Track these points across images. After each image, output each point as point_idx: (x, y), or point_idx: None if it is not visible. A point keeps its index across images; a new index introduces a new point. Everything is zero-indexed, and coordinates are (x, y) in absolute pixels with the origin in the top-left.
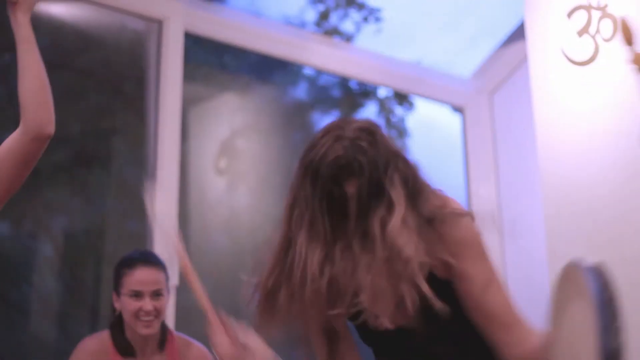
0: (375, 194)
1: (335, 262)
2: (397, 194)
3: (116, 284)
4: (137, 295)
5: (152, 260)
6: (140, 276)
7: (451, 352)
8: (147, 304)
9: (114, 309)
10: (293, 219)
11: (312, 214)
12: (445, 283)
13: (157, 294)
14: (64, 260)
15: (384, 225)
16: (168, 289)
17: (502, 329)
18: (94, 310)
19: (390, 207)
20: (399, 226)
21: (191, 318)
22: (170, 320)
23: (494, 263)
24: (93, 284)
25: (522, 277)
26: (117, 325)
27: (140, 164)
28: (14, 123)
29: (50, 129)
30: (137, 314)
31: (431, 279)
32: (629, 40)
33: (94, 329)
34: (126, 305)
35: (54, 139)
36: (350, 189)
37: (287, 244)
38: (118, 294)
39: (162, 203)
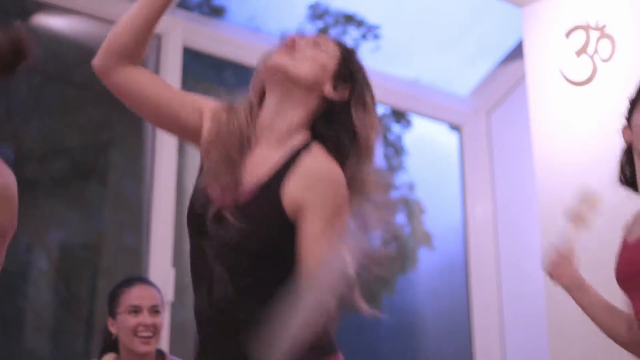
0: None
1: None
2: None
3: (112, 306)
4: (136, 310)
5: (148, 280)
6: (138, 292)
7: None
8: (146, 318)
9: (109, 334)
10: None
11: None
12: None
13: (155, 310)
14: (60, 273)
15: None
16: (164, 308)
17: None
18: (89, 324)
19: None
20: None
21: (186, 336)
22: (165, 337)
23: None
24: (89, 297)
25: (518, 295)
26: (112, 350)
27: (138, 177)
28: (13, 138)
29: None
30: (135, 330)
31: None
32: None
33: (88, 342)
34: (124, 322)
35: (51, 151)
36: None
37: None
38: (114, 315)
39: (159, 215)
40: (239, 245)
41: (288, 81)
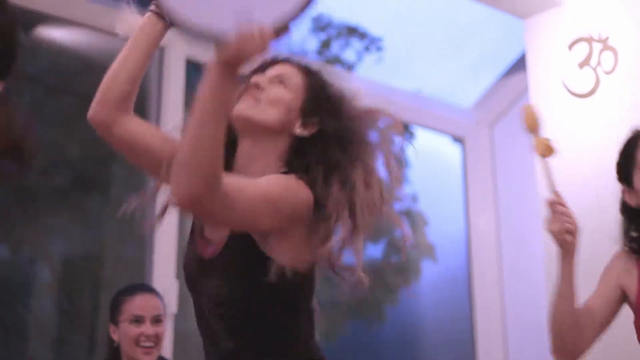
0: None
1: None
2: None
3: (114, 313)
4: (138, 320)
5: (151, 288)
6: (140, 301)
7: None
8: (149, 328)
9: (111, 342)
10: None
11: None
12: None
13: (157, 320)
14: (62, 285)
15: None
16: (166, 317)
17: None
18: (91, 336)
19: None
20: None
21: (188, 347)
22: (168, 348)
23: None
24: (91, 309)
25: (521, 307)
26: (114, 358)
27: (140, 189)
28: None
29: None
30: (137, 340)
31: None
32: (532, 128)
33: (91, 354)
34: (126, 331)
35: (53, 163)
36: None
37: None
38: (116, 323)
39: (162, 227)
40: (228, 297)
41: (256, 129)
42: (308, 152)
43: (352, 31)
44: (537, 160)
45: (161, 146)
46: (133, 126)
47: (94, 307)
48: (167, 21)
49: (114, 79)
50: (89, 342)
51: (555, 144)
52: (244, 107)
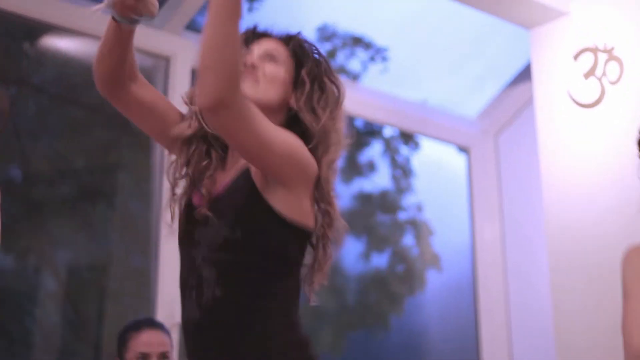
0: None
1: None
2: None
3: (120, 349)
4: (144, 357)
5: (156, 323)
6: (147, 338)
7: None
8: None
9: None
10: None
11: None
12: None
13: (163, 357)
14: (68, 295)
15: None
16: (172, 352)
17: None
18: (96, 346)
19: None
20: None
21: None
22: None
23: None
24: (96, 319)
25: (527, 316)
26: None
27: (146, 199)
28: (21, 159)
29: None
30: None
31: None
32: None
33: None
34: None
35: (59, 173)
36: None
37: None
38: (122, 358)
39: (168, 237)
40: (226, 238)
41: (261, 109)
42: (303, 120)
43: (358, 41)
44: (542, 170)
45: (166, 110)
46: (139, 92)
47: (99, 316)
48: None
49: (98, 60)
50: (94, 352)
51: None
52: (248, 89)
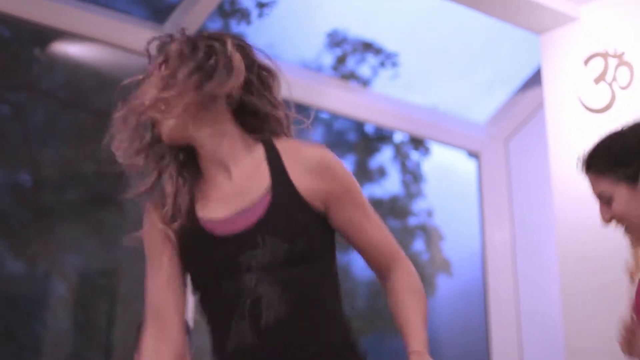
0: None
1: None
2: None
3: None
4: None
5: None
6: None
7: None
8: None
9: None
10: None
11: None
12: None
13: None
14: (78, 300)
15: None
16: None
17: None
18: (106, 351)
19: None
20: None
21: None
22: None
23: None
24: (106, 324)
25: (537, 321)
26: None
27: None
28: (30, 164)
29: None
30: None
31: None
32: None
33: None
34: None
35: (68, 178)
36: None
37: None
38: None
39: None
40: (287, 254)
41: (184, 133)
42: (251, 102)
43: (368, 47)
44: (552, 175)
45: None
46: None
47: (109, 322)
48: None
49: None
50: (104, 358)
51: None
52: (165, 130)
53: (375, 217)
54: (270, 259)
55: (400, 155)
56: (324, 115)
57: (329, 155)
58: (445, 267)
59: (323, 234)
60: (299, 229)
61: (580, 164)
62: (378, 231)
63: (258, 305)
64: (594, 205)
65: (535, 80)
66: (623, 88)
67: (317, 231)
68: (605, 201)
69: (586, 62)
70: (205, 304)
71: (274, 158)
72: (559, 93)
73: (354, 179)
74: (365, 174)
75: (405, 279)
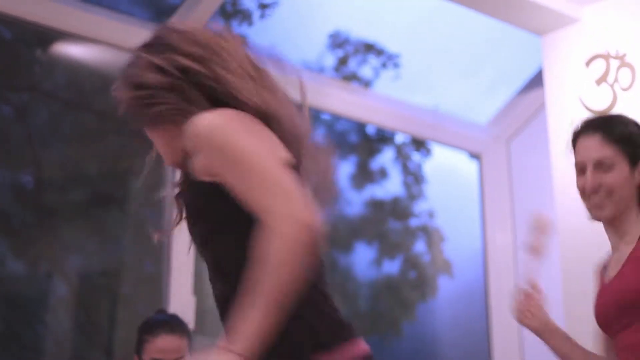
0: None
1: None
2: None
3: (138, 347)
4: None
5: (174, 327)
6: (162, 344)
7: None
8: None
9: None
10: None
11: None
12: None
13: None
14: (79, 301)
15: None
16: (190, 354)
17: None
18: (108, 352)
19: None
20: None
21: None
22: None
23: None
24: (108, 325)
25: None
26: None
27: (157, 205)
28: (33, 165)
29: None
30: None
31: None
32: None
33: None
34: None
35: (71, 179)
36: None
37: None
38: (140, 356)
39: (179, 243)
40: (198, 239)
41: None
42: (196, 81)
43: (370, 48)
44: (554, 176)
45: None
46: None
47: (110, 322)
48: None
49: None
50: (105, 358)
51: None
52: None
53: (250, 172)
54: (197, 245)
55: (401, 156)
56: (325, 117)
57: (199, 123)
58: (447, 268)
59: (225, 206)
60: (196, 213)
61: (586, 124)
62: (246, 193)
63: (212, 285)
64: None
65: (537, 81)
66: (625, 89)
67: (216, 206)
68: (600, 168)
69: (588, 63)
70: None
71: None
72: (561, 94)
73: (226, 138)
74: (366, 175)
75: (256, 248)
